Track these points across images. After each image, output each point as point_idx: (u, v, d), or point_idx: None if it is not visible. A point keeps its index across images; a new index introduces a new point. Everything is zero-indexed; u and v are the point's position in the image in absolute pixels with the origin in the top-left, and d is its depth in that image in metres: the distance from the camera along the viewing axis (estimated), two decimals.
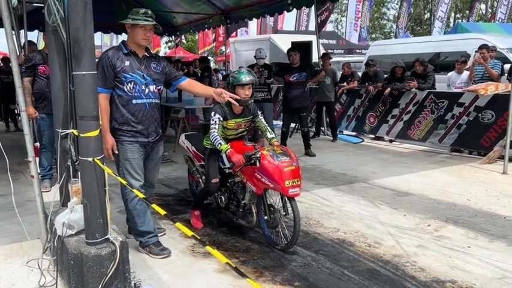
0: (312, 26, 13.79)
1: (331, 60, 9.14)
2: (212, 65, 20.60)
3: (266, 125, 3.93)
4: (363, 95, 8.86)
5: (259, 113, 3.95)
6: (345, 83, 9.23)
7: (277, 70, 7.80)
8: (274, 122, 8.50)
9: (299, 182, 3.46)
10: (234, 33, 18.61)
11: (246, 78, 3.66)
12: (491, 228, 3.99)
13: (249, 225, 3.87)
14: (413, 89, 7.79)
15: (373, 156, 7.12)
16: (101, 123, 2.74)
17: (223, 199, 4.09)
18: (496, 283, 3.02)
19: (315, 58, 10.14)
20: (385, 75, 8.88)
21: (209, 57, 21.80)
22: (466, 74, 7.66)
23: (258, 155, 3.50)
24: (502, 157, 6.12)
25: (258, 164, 3.50)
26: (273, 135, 3.83)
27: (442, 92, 7.74)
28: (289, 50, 7.38)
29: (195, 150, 4.41)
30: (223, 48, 20.37)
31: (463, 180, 5.59)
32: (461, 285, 2.99)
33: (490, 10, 28.89)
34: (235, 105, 3.75)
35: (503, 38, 10.52)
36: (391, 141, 8.45)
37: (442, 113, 7.37)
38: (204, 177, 4.18)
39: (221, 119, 3.71)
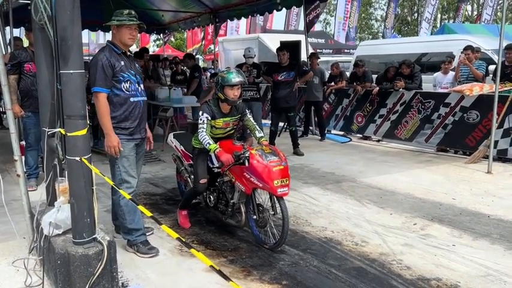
0: (302, 26, 13.84)
1: (319, 60, 9.18)
2: (201, 63, 20.57)
3: (255, 123, 3.94)
4: (350, 95, 8.93)
5: (247, 111, 3.96)
6: (333, 83, 9.29)
7: (266, 69, 7.82)
8: (263, 121, 8.53)
9: (288, 182, 3.47)
10: (223, 32, 18.58)
11: (235, 78, 3.66)
12: (476, 227, 4.07)
13: (238, 225, 3.88)
14: (401, 89, 7.88)
15: (361, 156, 7.18)
16: (88, 122, 2.73)
17: (212, 198, 4.09)
18: (480, 280, 3.08)
19: (303, 57, 10.18)
20: (374, 75, 8.95)
21: (198, 56, 21.72)
22: (451, 74, 7.78)
23: (246, 155, 3.51)
24: (486, 157, 6.22)
25: (246, 164, 3.51)
26: (262, 134, 3.85)
27: (428, 92, 7.84)
28: (278, 50, 7.40)
29: (183, 149, 4.40)
30: (212, 46, 20.33)
31: (448, 180, 5.67)
32: (446, 283, 3.05)
33: (476, 11, 29.31)
34: (224, 105, 3.76)
35: (488, 39, 10.66)
36: (378, 140, 8.53)
37: (429, 113, 7.46)
38: (192, 176, 4.18)
39: (209, 118, 3.71)
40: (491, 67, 7.78)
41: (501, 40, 5.92)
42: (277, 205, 3.54)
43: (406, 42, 13.96)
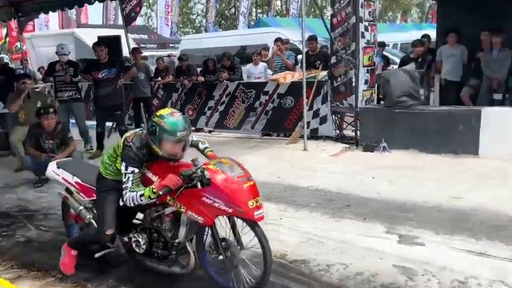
0: (121, 20, 13.30)
1: (142, 54, 8.98)
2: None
3: (196, 139, 3.16)
4: (179, 89, 9.00)
5: (193, 139, 3.12)
6: (160, 78, 9.22)
7: (85, 67, 7.30)
8: (88, 123, 7.94)
9: (261, 202, 2.76)
10: (31, 27, 16.57)
11: (181, 132, 2.72)
12: (298, 199, 4.56)
13: (185, 271, 2.98)
14: (225, 81, 8.27)
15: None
16: None
17: (141, 242, 3.01)
18: (303, 246, 3.49)
19: (125, 53, 9.81)
20: (199, 69, 9.18)
21: (2, 55, 18.97)
22: (262, 65, 8.49)
23: (204, 173, 2.65)
24: (302, 136, 6.99)
25: (200, 186, 2.67)
26: (207, 145, 3.12)
27: (249, 82, 8.42)
28: (94, 45, 6.97)
29: (79, 181, 3.33)
30: (18, 44, 17.97)
31: (272, 161, 6.19)
32: (276, 254, 3.30)
33: (285, 6, 32.47)
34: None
35: (295, 32, 11.94)
36: (210, 131, 8.81)
37: (252, 102, 8.02)
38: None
39: (136, 171, 2.81)
40: (300, 56, 8.76)
41: (303, 32, 6.72)
42: (246, 233, 2.85)
43: (226, 35, 14.71)
